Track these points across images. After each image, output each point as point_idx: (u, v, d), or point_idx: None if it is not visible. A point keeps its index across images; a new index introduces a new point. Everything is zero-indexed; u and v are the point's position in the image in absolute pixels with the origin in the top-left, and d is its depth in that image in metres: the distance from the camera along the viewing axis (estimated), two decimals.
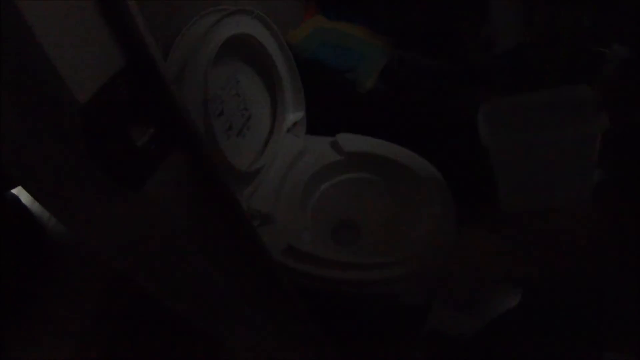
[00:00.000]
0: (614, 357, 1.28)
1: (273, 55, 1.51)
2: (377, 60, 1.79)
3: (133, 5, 0.50)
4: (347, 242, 1.64)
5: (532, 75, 1.63)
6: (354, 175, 1.68)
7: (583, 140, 1.25)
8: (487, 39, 1.64)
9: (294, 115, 1.66)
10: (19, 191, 1.68)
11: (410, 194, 1.57)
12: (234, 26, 1.36)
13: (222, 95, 1.39)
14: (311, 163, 1.64)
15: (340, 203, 1.67)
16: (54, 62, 0.44)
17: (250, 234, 0.83)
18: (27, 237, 1.75)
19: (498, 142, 1.37)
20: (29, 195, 1.90)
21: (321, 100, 1.74)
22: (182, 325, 1.09)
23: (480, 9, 1.63)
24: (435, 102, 1.61)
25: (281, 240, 1.42)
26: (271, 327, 1.17)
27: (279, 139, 1.61)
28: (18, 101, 0.49)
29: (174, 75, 1.24)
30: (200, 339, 1.19)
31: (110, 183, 0.54)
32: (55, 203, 0.67)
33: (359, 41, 1.81)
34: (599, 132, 1.23)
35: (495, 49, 1.64)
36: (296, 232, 1.47)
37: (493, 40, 1.62)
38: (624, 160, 1.53)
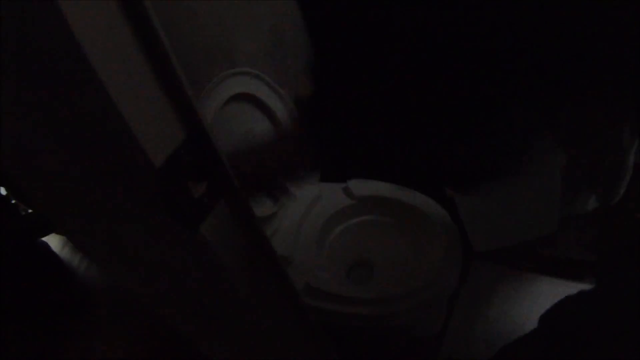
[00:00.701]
0: None
1: (276, 110, 1.72)
2: None
3: (190, 90, 0.70)
4: (361, 280, 1.82)
5: None
6: (366, 218, 1.86)
7: (543, 179, 1.35)
8: None
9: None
10: (48, 238, 1.86)
11: (419, 232, 1.75)
12: (233, 87, 1.56)
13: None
14: (325, 208, 1.84)
15: (353, 244, 1.86)
16: (138, 138, 0.64)
17: (278, 268, 1.01)
18: (56, 280, 1.90)
19: (462, 193, 1.47)
20: (58, 243, 2.07)
21: (334, 149, 1.93)
22: None
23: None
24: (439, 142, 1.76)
25: (300, 280, 1.59)
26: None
27: (292, 185, 1.81)
28: (105, 165, 0.69)
29: None
30: None
31: (174, 225, 0.73)
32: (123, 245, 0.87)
33: None
34: (557, 170, 1.32)
35: None
36: (313, 272, 1.63)
37: None
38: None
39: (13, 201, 1.89)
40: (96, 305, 1.85)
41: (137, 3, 0.60)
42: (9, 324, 1.72)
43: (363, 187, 1.85)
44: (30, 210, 1.89)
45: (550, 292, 2.03)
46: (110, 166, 0.70)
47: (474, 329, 1.97)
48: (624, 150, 1.58)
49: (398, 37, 2.03)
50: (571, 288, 1.99)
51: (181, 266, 0.90)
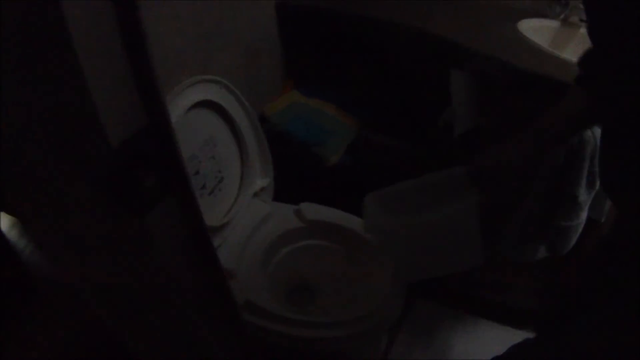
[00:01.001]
0: None
1: (240, 123, 1.72)
2: (344, 137, 2.02)
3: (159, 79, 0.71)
4: (302, 304, 1.83)
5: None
6: (314, 242, 1.88)
7: (458, 215, 1.37)
8: (446, 123, 1.86)
9: (261, 181, 1.88)
10: None
11: (365, 262, 1.77)
12: (200, 93, 1.57)
13: (200, 156, 1.59)
14: (275, 227, 1.84)
15: (299, 267, 1.87)
16: (99, 111, 0.64)
17: (220, 272, 1.02)
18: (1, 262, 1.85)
19: (377, 229, 1.51)
20: (6, 223, 2.03)
21: (290, 171, 1.95)
22: None
23: (441, 97, 1.86)
24: (395, 180, 1.80)
25: (240, 295, 1.58)
26: None
27: (244, 200, 1.81)
28: (57, 140, 0.69)
29: None
30: None
31: (121, 211, 0.74)
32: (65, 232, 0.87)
33: (329, 118, 2.04)
34: (471, 207, 1.35)
35: (453, 132, 1.85)
36: (255, 289, 1.63)
37: (451, 124, 1.83)
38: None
39: None
40: (37, 291, 1.81)
41: None
42: None
43: (315, 211, 1.86)
44: None
45: (491, 336, 2.08)
46: (65, 141, 0.70)
47: None
48: (579, 205, 1.63)
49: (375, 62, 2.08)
50: (512, 335, 2.04)
51: (122, 260, 0.89)
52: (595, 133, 1.58)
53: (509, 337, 2.01)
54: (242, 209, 1.79)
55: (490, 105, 1.81)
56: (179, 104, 1.49)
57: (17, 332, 1.74)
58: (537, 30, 1.87)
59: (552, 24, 1.95)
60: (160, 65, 1.44)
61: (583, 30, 1.89)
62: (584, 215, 1.69)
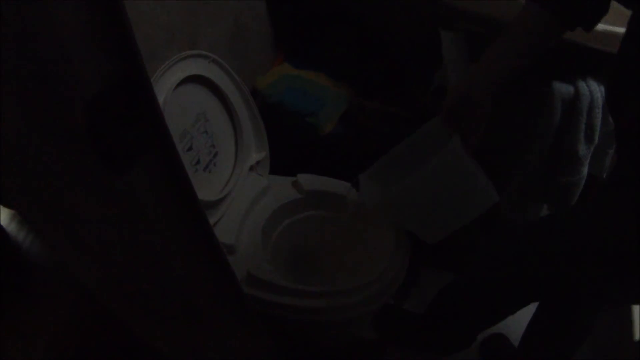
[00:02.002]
0: None
1: (231, 97, 1.71)
2: (337, 106, 2.01)
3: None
4: (306, 274, 1.83)
5: None
6: (314, 213, 1.87)
7: (444, 161, 1.35)
8: (438, 86, 1.86)
9: (257, 155, 1.87)
10: None
11: (366, 229, 1.77)
12: (189, 69, 1.55)
13: (192, 132, 1.58)
14: (273, 200, 1.83)
15: (300, 238, 1.87)
16: (71, 65, 0.64)
17: (209, 232, 1.01)
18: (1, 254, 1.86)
19: (375, 203, 1.51)
20: (6, 215, 2.04)
21: (285, 143, 1.95)
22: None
23: (432, 60, 1.85)
24: (390, 146, 1.80)
25: (242, 269, 1.59)
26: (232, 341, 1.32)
27: (241, 174, 1.80)
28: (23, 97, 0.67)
29: None
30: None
31: (100, 169, 0.73)
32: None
33: (321, 88, 2.03)
34: (454, 149, 1.33)
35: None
36: (256, 262, 1.63)
37: (444, 87, 1.83)
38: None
39: None
40: (35, 282, 1.81)
41: None
42: None
43: (313, 181, 1.85)
44: None
45: None
46: (38, 97, 0.68)
47: None
48: (580, 160, 1.63)
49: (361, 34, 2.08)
50: None
51: (108, 220, 0.89)
52: (590, 87, 1.57)
53: None
54: (239, 183, 1.79)
55: None
56: (168, 80, 1.48)
57: (15, 323, 1.75)
58: None
59: None
60: (147, 41, 1.46)
61: None
62: (584, 170, 1.68)
